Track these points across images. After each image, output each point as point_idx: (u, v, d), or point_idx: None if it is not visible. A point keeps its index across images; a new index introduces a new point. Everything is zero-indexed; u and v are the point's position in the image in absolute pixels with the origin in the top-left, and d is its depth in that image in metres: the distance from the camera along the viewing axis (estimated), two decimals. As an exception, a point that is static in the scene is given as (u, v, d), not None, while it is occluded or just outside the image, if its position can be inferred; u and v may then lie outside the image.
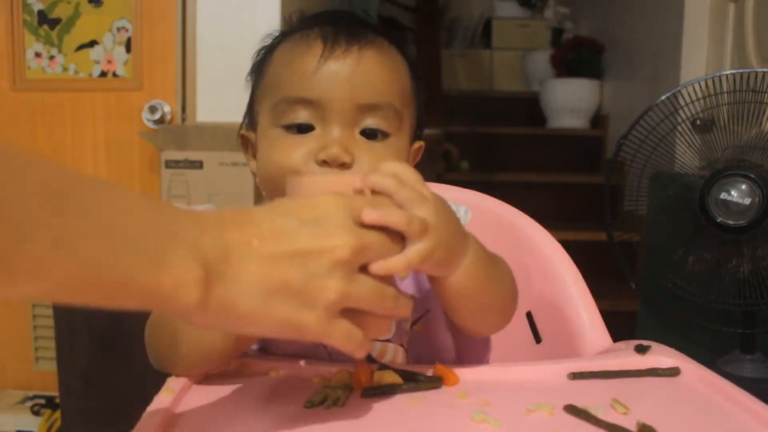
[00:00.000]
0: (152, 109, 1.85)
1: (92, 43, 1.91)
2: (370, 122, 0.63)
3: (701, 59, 2.13)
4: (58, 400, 1.71)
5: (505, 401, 0.51)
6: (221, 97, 1.86)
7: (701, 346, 1.52)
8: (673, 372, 0.57)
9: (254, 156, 0.70)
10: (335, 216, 0.45)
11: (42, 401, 1.84)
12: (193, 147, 1.79)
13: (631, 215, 1.64)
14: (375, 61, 0.63)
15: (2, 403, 1.88)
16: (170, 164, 1.79)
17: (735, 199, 1.41)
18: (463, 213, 0.66)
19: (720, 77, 1.48)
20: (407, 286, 0.66)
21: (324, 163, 0.60)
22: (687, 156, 1.53)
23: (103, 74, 1.91)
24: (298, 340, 0.45)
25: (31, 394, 1.91)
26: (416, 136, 0.70)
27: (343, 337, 0.44)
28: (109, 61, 1.90)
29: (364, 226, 0.46)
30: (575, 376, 0.56)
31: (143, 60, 1.89)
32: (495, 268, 0.59)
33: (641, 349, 0.60)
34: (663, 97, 1.53)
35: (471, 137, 3.28)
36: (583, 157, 3.25)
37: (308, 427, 0.47)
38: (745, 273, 1.45)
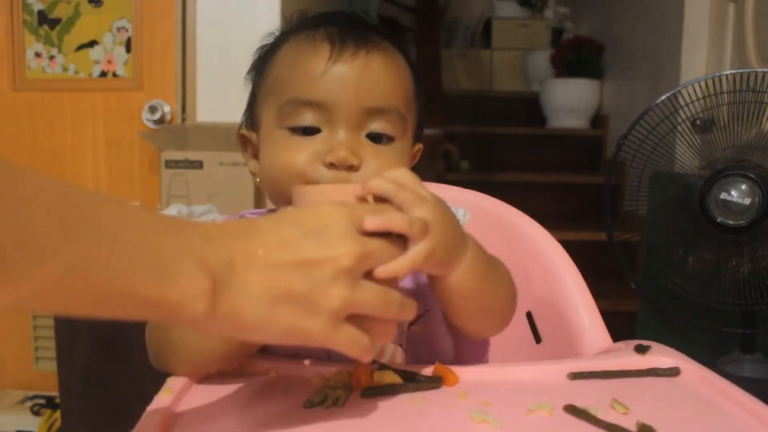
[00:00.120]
0: (152, 109, 1.85)
1: (92, 43, 1.91)
2: (376, 126, 0.63)
3: (701, 59, 2.13)
4: (58, 400, 1.71)
5: (505, 401, 0.51)
6: (221, 97, 1.86)
7: (701, 346, 1.52)
8: (673, 372, 0.57)
9: (254, 156, 0.70)
10: (338, 225, 0.46)
11: (42, 401, 1.84)
12: (193, 147, 1.79)
13: (631, 215, 1.64)
14: (382, 64, 0.63)
15: (2, 403, 1.88)
16: (170, 164, 1.79)
17: (735, 199, 1.41)
18: (461, 215, 0.66)
19: (720, 77, 1.48)
20: (405, 284, 0.66)
21: (332, 165, 0.61)
22: (687, 156, 1.53)
23: (103, 74, 1.91)
24: (305, 346, 0.45)
25: (31, 394, 1.91)
26: (416, 138, 0.70)
27: (349, 342, 0.45)
28: (109, 61, 1.90)
29: (366, 233, 0.47)
30: (575, 376, 0.56)
31: (143, 60, 1.89)
32: (494, 269, 0.59)
33: (641, 349, 0.60)
34: (663, 97, 1.53)
35: (471, 137, 3.28)
36: (583, 157, 3.25)
37: (308, 427, 0.47)
38: (745, 273, 1.45)
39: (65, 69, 1.92)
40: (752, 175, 1.40)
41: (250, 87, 0.71)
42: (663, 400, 0.52)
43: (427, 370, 0.56)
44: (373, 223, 0.47)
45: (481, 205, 0.89)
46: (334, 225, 0.46)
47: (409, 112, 0.66)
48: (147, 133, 1.85)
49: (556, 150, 3.27)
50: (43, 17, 1.91)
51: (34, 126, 1.93)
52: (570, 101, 3.35)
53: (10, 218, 0.33)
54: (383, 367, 0.55)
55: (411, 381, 0.54)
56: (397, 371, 0.54)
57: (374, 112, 0.62)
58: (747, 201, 1.40)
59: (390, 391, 0.52)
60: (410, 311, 0.49)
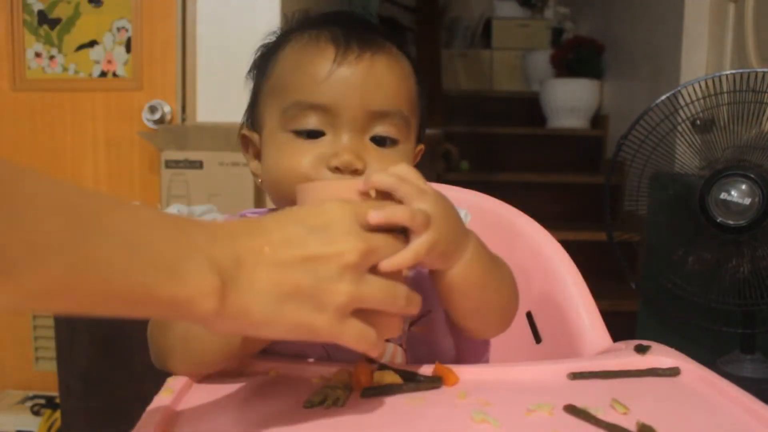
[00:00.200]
0: (152, 109, 1.85)
1: (92, 43, 1.91)
2: (381, 129, 0.63)
3: (701, 59, 2.13)
4: (58, 400, 1.71)
5: (505, 401, 0.51)
6: (221, 97, 1.86)
7: (701, 346, 1.52)
8: (673, 372, 0.57)
9: (255, 156, 0.70)
10: (342, 222, 0.46)
11: (42, 401, 1.84)
12: (193, 147, 1.79)
13: (631, 215, 1.65)
14: (387, 67, 0.63)
15: (2, 403, 1.88)
16: (170, 164, 1.80)
17: (735, 199, 1.41)
18: (463, 216, 0.66)
19: (720, 77, 1.48)
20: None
21: (336, 169, 0.60)
22: (687, 156, 1.53)
23: (103, 74, 1.91)
24: (312, 341, 0.46)
25: (31, 394, 1.91)
26: (418, 138, 0.70)
27: (356, 337, 0.46)
28: (109, 61, 1.90)
29: (369, 228, 0.47)
30: (575, 376, 0.56)
31: (143, 60, 1.89)
32: (495, 266, 0.60)
33: (641, 349, 0.60)
34: (663, 97, 1.53)
35: (471, 137, 3.28)
36: (583, 157, 3.25)
37: (308, 427, 0.47)
38: (745, 273, 1.45)
39: (65, 69, 1.92)
40: (752, 175, 1.40)
41: (251, 86, 0.71)
42: (663, 400, 0.52)
43: (427, 370, 0.56)
44: (376, 216, 0.47)
45: (481, 205, 0.89)
46: (338, 221, 0.46)
47: (412, 114, 0.66)
48: (147, 133, 1.85)
49: (556, 150, 3.27)
50: (43, 17, 1.91)
51: (34, 126, 1.93)
52: (570, 101, 3.35)
53: (16, 219, 0.34)
54: (383, 367, 0.55)
55: (411, 381, 0.54)
56: (397, 371, 0.55)
57: (379, 116, 0.62)
58: (747, 201, 1.40)
59: (390, 391, 0.52)
60: (416, 305, 0.49)
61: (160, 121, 1.85)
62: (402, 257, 0.48)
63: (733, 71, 1.48)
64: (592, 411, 0.47)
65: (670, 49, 2.33)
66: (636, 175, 1.58)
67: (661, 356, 0.59)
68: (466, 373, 0.56)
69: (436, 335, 0.66)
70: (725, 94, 1.47)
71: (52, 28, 1.91)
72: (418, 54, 3.09)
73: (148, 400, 0.50)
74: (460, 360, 0.68)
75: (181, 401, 0.52)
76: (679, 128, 1.53)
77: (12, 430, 1.80)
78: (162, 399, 0.51)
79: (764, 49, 1.90)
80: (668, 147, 1.56)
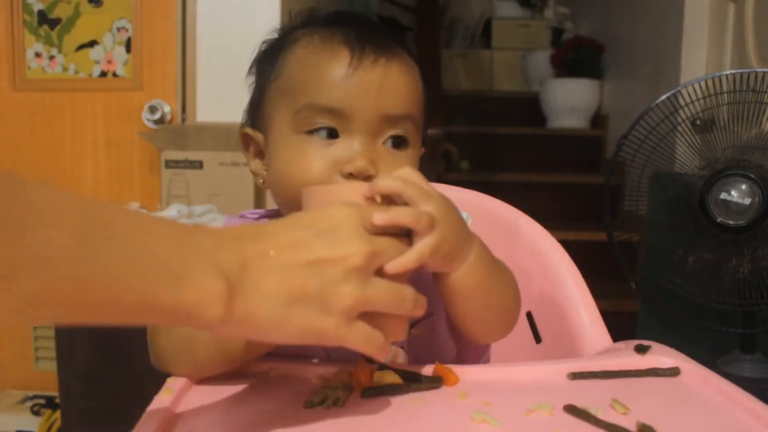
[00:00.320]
0: (152, 109, 1.85)
1: (92, 43, 1.91)
2: (393, 133, 0.63)
3: (701, 59, 2.13)
4: (58, 400, 1.71)
5: (505, 401, 0.51)
6: (221, 97, 1.86)
7: (701, 346, 1.52)
8: (673, 372, 0.57)
9: (255, 155, 0.69)
10: (347, 225, 0.47)
11: (42, 401, 1.84)
12: (193, 147, 1.79)
13: (631, 215, 1.65)
14: (400, 73, 0.63)
15: (2, 403, 1.88)
16: (170, 164, 1.80)
17: (735, 199, 1.41)
18: (464, 218, 0.66)
19: (720, 77, 1.48)
20: None
21: (350, 175, 0.60)
22: (687, 156, 1.53)
23: (103, 74, 1.91)
24: (319, 345, 0.46)
25: (31, 394, 1.91)
26: (422, 141, 0.70)
27: (363, 340, 0.46)
28: (109, 61, 1.90)
29: (375, 232, 0.48)
30: (575, 376, 0.56)
31: (143, 60, 1.89)
32: (498, 270, 0.60)
33: (641, 349, 0.60)
34: (663, 97, 1.53)
35: (471, 137, 3.28)
36: (583, 157, 3.25)
37: (308, 427, 0.47)
38: (745, 273, 1.45)
39: (65, 69, 1.92)
40: (752, 175, 1.40)
41: (253, 84, 0.69)
42: (663, 400, 0.52)
43: (427, 370, 0.56)
44: (381, 218, 0.48)
45: (481, 205, 0.89)
46: (343, 225, 0.46)
47: (421, 119, 0.66)
48: (147, 133, 1.85)
49: (556, 150, 3.27)
50: (43, 17, 1.91)
51: (34, 126, 1.93)
52: (570, 101, 3.35)
53: (21, 230, 0.34)
54: (383, 367, 0.55)
55: (411, 381, 0.54)
56: (397, 371, 0.55)
57: (392, 120, 0.62)
58: (747, 201, 1.40)
59: (390, 391, 0.52)
60: (423, 306, 0.49)
61: (160, 121, 1.85)
62: (407, 259, 0.49)
63: (733, 71, 1.48)
64: (592, 411, 0.47)
65: (670, 49, 2.33)
66: (636, 175, 1.58)
67: (661, 356, 0.59)
68: (466, 373, 0.56)
69: (437, 337, 0.66)
70: (725, 94, 1.47)
71: (52, 28, 1.91)
72: (418, 54, 3.08)
73: (148, 400, 0.50)
74: (460, 362, 0.68)
75: (181, 401, 0.52)
76: (679, 128, 1.53)
77: (12, 430, 1.80)
78: (162, 399, 0.51)
79: (764, 49, 1.90)
80: (668, 147, 1.56)
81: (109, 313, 0.38)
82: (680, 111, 1.52)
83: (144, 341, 0.60)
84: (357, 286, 0.45)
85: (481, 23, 4.36)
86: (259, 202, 1.79)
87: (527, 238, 0.85)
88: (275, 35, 0.69)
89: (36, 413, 1.81)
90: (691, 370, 0.57)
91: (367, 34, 0.63)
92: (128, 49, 1.90)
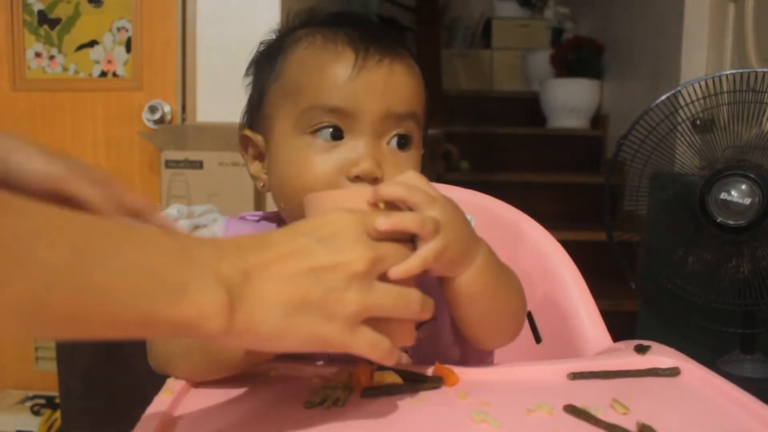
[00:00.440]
0: (152, 109, 1.85)
1: (92, 43, 1.91)
2: (398, 132, 0.62)
3: (701, 59, 2.13)
4: (58, 400, 1.71)
5: (505, 401, 0.51)
6: (221, 97, 1.86)
7: (701, 346, 1.52)
8: (673, 372, 0.57)
9: (255, 158, 0.68)
10: (348, 231, 0.46)
11: (42, 401, 1.84)
12: (193, 147, 1.79)
13: (631, 215, 1.64)
14: (405, 73, 0.63)
15: (2, 403, 1.88)
16: (170, 164, 1.80)
17: (735, 199, 1.41)
18: (468, 219, 0.66)
19: (720, 77, 1.48)
20: None
21: (357, 178, 0.59)
22: (687, 156, 1.53)
23: (103, 74, 1.91)
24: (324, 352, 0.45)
25: (31, 394, 1.91)
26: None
27: (369, 346, 0.45)
28: (109, 61, 1.90)
29: (378, 237, 0.47)
30: (575, 376, 0.56)
31: (143, 60, 1.89)
32: (504, 275, 0.59)
33: (641, 349, 0.60)
34: (663, 97, 1.53)
35: (471, 137, 3.28)
36: (583, 157, 3.25)
37: (308, 427, 0.47)
38: (745, 273, 1.45)
39: (65, 69, 1.92)
40: (752, 175, 1.40)
41: (252, 85, 0.69)
42: (663, 400, 0.52)
43: (427, 370, 0.56)
44: (385, 223, 0.47)
45: (481, 205, 0.89)
46: (344, 231, 0.46)
47: (424, 118, 0.66)
48: (147, 133, 1.85)
49: (556, 150, 3.27)
50: (43, 17, 1.91)
51: (34, 126, 1.93)
52: (570, 101, 3.35)
53: (18, 251, 0.33)
54: (383, 367, 0.55)
55: (411, 381, 0.54)
56: (397, 371, 0.55)
57: (397, 121, 0.62)
58: (747, 201, 1.40)
59: (390, 391, 0.52)
60: (430, 309, 0.49)
61: (160, 121, 1.85)
62: (410, 264, 0.48)
63: (733, 71, 1.48)
64: (592, 411, 0.47)
65: (670, 49, 2.33)
66: (636, 175, 1.58)
67: (661, 356, 0.59)
68: (466, 373, 0.56)
69: (441, 342, 0.66)
70: (725, 94, 1.47)
71: (52, 28, 1.91)
72: (418, 54, 3.08)
73: (148, 400, 0.50)
74: (463, 364, 0.68)
75: (181, 402, 0.52)
76: (679, 128, 1.53)
77: (12, 430, 1.80)
78: (162, 399, 0.51)
79: (764, 49, 1.90)
80: (668, 147, 1.56)
81: (107, 328, 0.38)
82: (680, 111, 1.52)
83: (144, 342, 0.60)
84: (360, 291, 0.44)
85: (481, 23, 4.36)
86: (259, 202, 1.79)
87: (527, 239, 0.85)
88: (273, 36, 0.69)
89: (36, 413, 1.81)
90: (691, 370, 0.57)
91: (370, 35, 0.62)
92: (128, 49, 1.90)
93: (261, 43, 0.69)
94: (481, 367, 0.59)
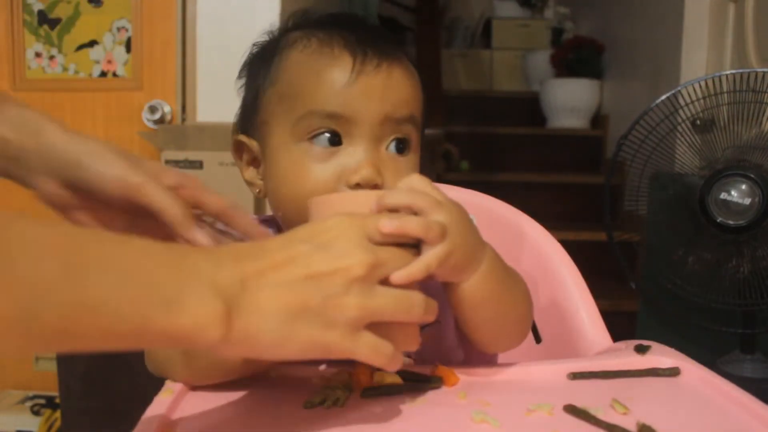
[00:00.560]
0: (152, 109, 1.85)
1: (92, 43, 1.91)
2: (397, 136, 0.62)
3: (701, 59, 2.13)
4: (58, 400, 1.71)
5: (505, 401, 0.51)
6: (221, 97, 1.86)
7: (701, 346, 1.52)
8: (673, 372, 0.57)
9: (249, 164, 0.67)
10: (347, 236, 0.46)
11: (42, 401, 1.84)
12: (193, 147, 1.79)
13: (631, 215, 1.64)
14: (403, 77, 0.62)
15: (2, 403, 1.88)
16: (170, 164, 1.80)
17: (735, 199, 1.41)
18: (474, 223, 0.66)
19: (720, 77, 1.48)
20: None
21: (357, 185, 0.59)
22: (687, 156, 1.53)
23: (103, 74, 1.91)
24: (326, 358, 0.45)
25: (31, 394, 1.91)
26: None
27: (371, 350, 0.44)
28: (109, 61, 1.90)
29: (380, 241, 0.46)
30: (575, 376, 0.56)
31: (143, 60, 1.89)
32: (510, 279, 0.59)
33: (641, 349, 0.60)
34: (663, 97, 1.53)
35: (471, 137, 3.28)
36: (583, 157, 3.25)
37: (308, 427, 0.47)
38: (745, 273, 1.45)
39: (65, 69, 1.92)
40: (752, 175, 1.40)
41: (245, 90, 0.68)
42: (663, 400, 0.52)
43: (427, 371, 0.56)
44: (389, 225, 0.46)
45: (481, 205, 0.89)
46: (343, 236, 0.45)
47: (421, 121, 0.65)
48: (147, 133, 1.85)
49: (556, 150, 3.27)
50: (43, 17, 1.91)
51: (34, 126, 1.92)
52: (570, 101, 3.35)
53: (9, 267, 0.33)
54: (383, 367, 0.55)
55: (411, 381, 0.54)
56: (397, 372, 0.54)
57: (396, 123, 0.61)
58: (747, 201, 1.40)
59: (390, 391, 0.52)
60: (434, 311, 0.48)
61: (160, 121, 1.85)
62: (413, 269, 0.47)
63: (733, 71, 1.48)
64: (592, 411, 0.47)
65: (670, 49, 2.33)
66: (636, 175, 1.58)
67: (661, 356, 0.59)
68: (466, 373, 0.56)
69: (445, 345, 0.65)
70: (725, 94, 1.47)
71: (52, 28, 1.91)
72: (418, 54, 3.09)
73: (148, 400, 0.50)
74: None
75: (181, 402, 0.52)
76: (679, 128, 1.53)
77: (12, 430, 1.80)
78: (162, 400, 0.51)
79: (764, 49, 1.90)
80: (668, 147, 1.56)
81: (102, 341, 0.37)
82: (680, 111, 1.52)
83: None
84: (360, 296, 0.44)
85: (481, 23, 4.36)
86: (259, 202, 1.79)
87: (528, 239, 0.85)
88: (266, 37, 0.68)
89: (36, 413, 1.81)
90: (691, 370, 0.57)
91: (367, 38, 0.62)
92: (128, 49, 1.90)
93: (254, 44, 0.68)
94: (481, 368, 0.59)
